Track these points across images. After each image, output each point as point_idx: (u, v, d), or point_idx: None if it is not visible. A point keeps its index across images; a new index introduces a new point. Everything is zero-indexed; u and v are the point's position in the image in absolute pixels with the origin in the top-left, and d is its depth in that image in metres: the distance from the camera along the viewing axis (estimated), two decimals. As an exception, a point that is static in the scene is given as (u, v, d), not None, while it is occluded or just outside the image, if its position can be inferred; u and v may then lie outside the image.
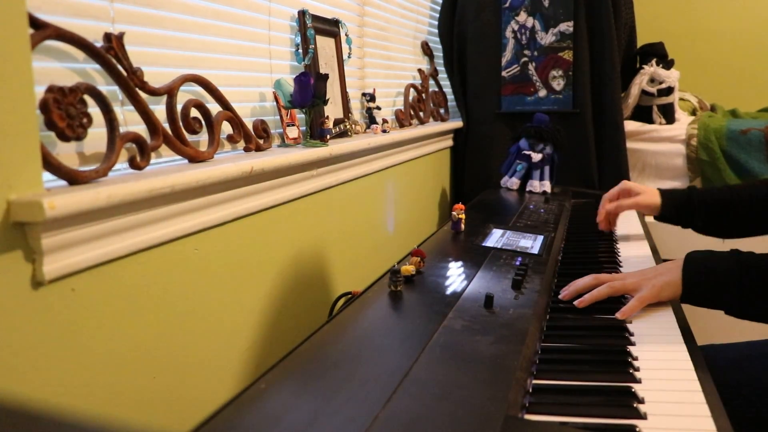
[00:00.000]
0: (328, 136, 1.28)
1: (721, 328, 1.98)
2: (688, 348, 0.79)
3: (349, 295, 1.10)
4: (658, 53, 2.23)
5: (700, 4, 2.71)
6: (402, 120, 1.87)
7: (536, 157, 1.83)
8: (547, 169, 1.84)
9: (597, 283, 0.96)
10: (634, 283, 0.94)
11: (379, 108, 1.68)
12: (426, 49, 2.22)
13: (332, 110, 1.41)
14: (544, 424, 0.61)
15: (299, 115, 1.28)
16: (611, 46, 2.06)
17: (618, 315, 0.89)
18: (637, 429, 0.60)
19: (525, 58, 2.18)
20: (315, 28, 1.34)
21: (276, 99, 1.22)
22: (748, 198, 1.15)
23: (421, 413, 0.53)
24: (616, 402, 0.66)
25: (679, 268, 0.91)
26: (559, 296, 0.98)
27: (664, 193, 1.25)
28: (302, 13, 1.31)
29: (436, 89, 2.27)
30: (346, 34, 1.52)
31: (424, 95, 2.08)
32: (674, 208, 1.22)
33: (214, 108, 1.02)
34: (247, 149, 1.10)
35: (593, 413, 0.63)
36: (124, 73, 0.81)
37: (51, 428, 0.25)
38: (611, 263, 1.18)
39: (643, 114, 2.23)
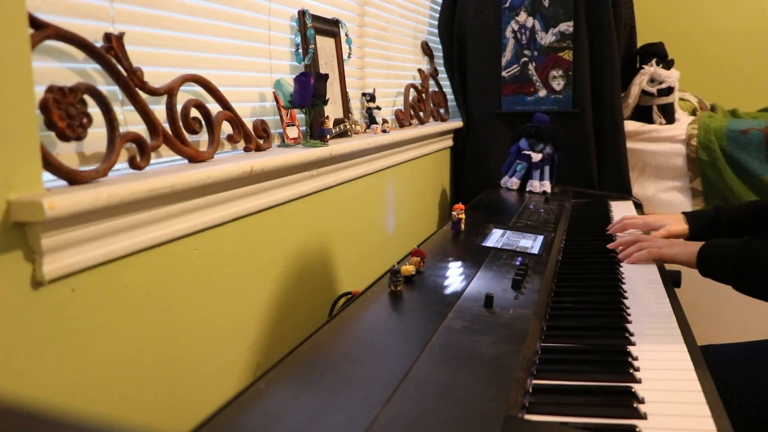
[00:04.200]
0: (328, 136, 1.28)
1: (721, 328, 1.99)
2: (688, 348, 0.79)
3: (349, 295, 1.10)
4: (658, 53, 2.23)
5: (700, 4, 2.70)
6: (402, 120, 1.87)
7: (536, 157, 1.83)
8: (547, 169, 1.85)
9: (636, 240, 1.22)
10: (659, 243, 1.18)
11: (379, 108, 1.68)
12: (426, 49, 2.22)
13: (332, 110, 1.40)
14: (544, 425, 0.61)
15: (299, 115, 1.28)
16: (611, 46, 2.06)
17: (621, 256, 1.20)
18: (638, 429, 0.60)
19: (525, 58, 2.18)
20: (315, 28, 1.34)
21: (276, 99, 1.22)
22: None
23: (421, 413, 0.53)
24: (616, 402, 0.66)
25: (698, 246, 1.10)
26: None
27: (689, 217, 1.31)
28: (302, 13, 1.31)
29: (436, 89, 2.27)
30: (346, 34, 1.52)
31: (424, 95, 2.08)
32: (702, 231, 1.30)
33: (214, 108, 1.02)
34: (247, 149, 1.10)
35: (593, 413, 0.63)
36: (124, 73, 0.81)
37: (51, 428, 0.25)
38: (611, 263, 1.18)
39: (643, 114, 2.23)
